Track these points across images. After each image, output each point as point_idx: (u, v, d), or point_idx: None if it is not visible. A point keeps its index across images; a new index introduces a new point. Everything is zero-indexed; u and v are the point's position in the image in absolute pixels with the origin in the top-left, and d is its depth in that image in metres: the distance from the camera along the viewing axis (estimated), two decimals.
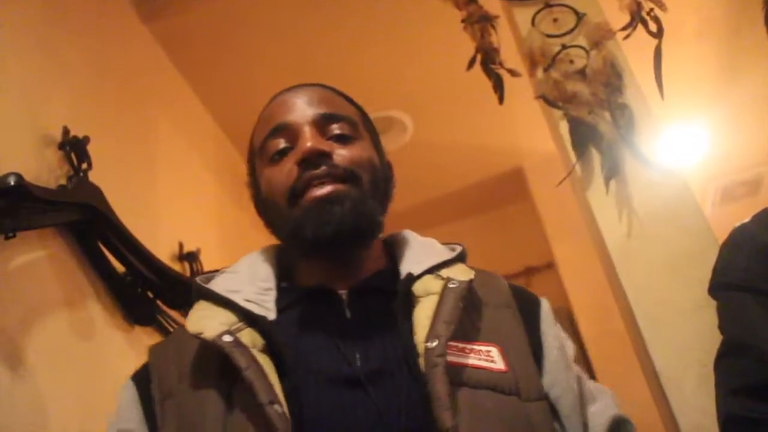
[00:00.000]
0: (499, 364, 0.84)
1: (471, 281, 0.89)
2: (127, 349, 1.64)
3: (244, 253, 1.02)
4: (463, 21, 1.72)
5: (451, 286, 0.87)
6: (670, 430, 1.31)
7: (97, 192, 1.56)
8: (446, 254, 0.96)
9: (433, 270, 0.92)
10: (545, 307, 0.98)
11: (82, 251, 1.55)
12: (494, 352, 0.85)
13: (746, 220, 1.09)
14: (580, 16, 1.62)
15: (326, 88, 1.04)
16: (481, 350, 0.84)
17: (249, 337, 0.81)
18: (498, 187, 3.56)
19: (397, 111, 2.90)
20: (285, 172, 0.93)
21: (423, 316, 0.84)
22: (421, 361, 0.79)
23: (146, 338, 1.74)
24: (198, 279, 0.93)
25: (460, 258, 0.97)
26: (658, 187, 1.45)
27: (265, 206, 0.98)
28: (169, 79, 2.43)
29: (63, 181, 1.52)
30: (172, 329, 1.84)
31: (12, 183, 1.25)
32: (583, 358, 3.12)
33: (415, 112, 2.92)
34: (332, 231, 0.87)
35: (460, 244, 1.00)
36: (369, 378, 0.80)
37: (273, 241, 1.03)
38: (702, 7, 2.67)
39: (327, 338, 0.85)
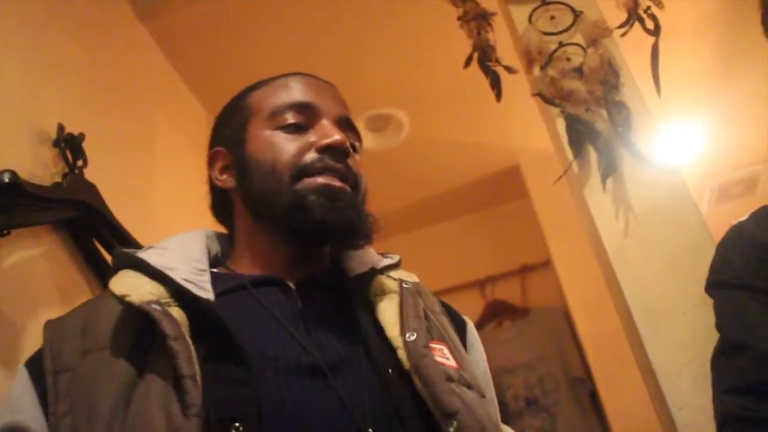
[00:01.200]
0: (452, 362, 0.85)
1: (418, 283, 0.94)
2: None
3: None
4: (459, 18, 1.72)
5: (405, 285, 0.91)
6: (667, 427, 1.31)
7: (92, 189, 1.55)
8: (386, 259, 0.99)
9: (383, 271, 0.95)
10: (470, 324, 1.03)
11: (77, 249, 1.55)
12: (446, 350, 0.87)
13: (744, 218, 1.09)
14: (577, 14, 1.62)
15: (341, 94, 1.05)
16: (436, 348, 0.85)
17: (178, 313, 0.78)
18: (495, 185, 3.55)
19: (394, 108, 2.89)
20: (299, 147, 0.92)
21: (389, 312, 0.86)
22: (402, 353, 0.80)
23: None
24: (127, 250, 0.89)
25: (399, 265, 1.00)
26: (655, 185, 1.45)
27: (252, 168, 0.95)
28: (165, 76, 2.42)
29: (58, 179, 1.51)
30: None
31: (6, 180, 1.24)
32: (579, 356, 3.12)
33: (411, 110, 2.91)
34: (341, 219, 0.88)
35: (396, 255, 1.03)
36: (330, 368, 0.79)
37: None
38: (699, 6, 2.67)
39: (277, 326, 0.84)
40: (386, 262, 0.97)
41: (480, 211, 3.72)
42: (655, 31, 1.56)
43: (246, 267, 0.95)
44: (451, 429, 0.73)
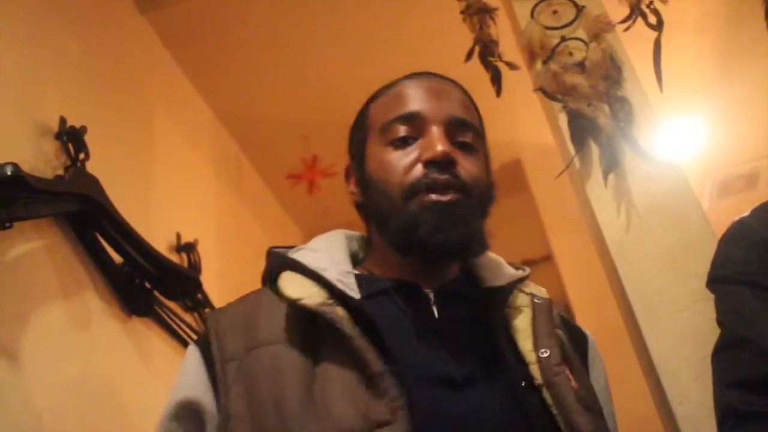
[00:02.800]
0: (572, 382, 0.85)
1: (550, 299, 0.95)
2: (124, 339, 1.64)
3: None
4: (461, 12, 1.71)
5: (537, 301, 0.92)
6: (667, 422, 1.31)
7: (94, 182, 1.55)
8: (518, 271, 0.99)
9: (516, 285, 0.95)
10: (592, 339, 1.04)
11: (79, 241, 1.55)
12: (567, 371, 0.87)
13: (745, 213, 1.08)
14: (579, 9, 1.61)
15: (457, 85, 1.04)
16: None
17: (343, 314, 0.81)
18: (496, 179, 3.54)
19: None
20: (406, 164, 0.92)
21: (522, 327, 0.88)
22: (535, 368, 0.81)
23: (143, 328, 1.74)
24: (279, 250, 0.93)
25: (528, 276, 1.00)
26: (656, 180, 1.45)
27: (371, 185, 0.96)
28: (166, 69, 2.42)
29: (60, 172, 1.51)
30: (169, 320, 1.84)
31: (8, 173, 1.24)
32: None
33: None
34: (448, 237, 0.88)
35: (526, 267, 1.03)
36: (467, 382, 0.81)
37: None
38: (701, 1, 2.67)
39: (417, 334, 0.86)
40: (518, 274, 0.97)
41: None
42: (658, 26, 1.55)
43: (382, 270, 0.96)
44: None
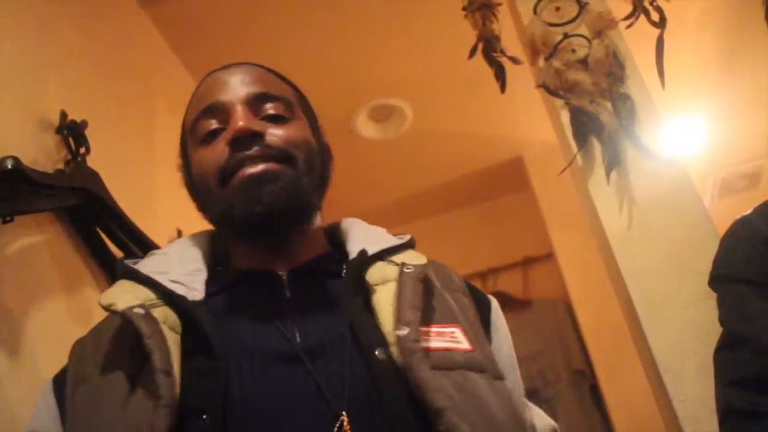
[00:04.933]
0: (464, 344, 0.83)
1: (425, 265, 0.90)
2: None
3: None
4: (464, 9, 1.71)
5: (407, 270, 0.87)
6: (668, 421, 1.31)
7: (95, 177, 1.55)
8: (394, 240, 0.96)
9: (384, 255, 0.91)
10: (495, 303, 1.00)
11: (79, 236, 1.55)
12: (457, 332, 0.85)
13: (747, 212, 1.08)
14: (582, 5, 1.61)
15: (261, 67, 1.02)
16: (444, 331, 0.84)
17: (162, 313, 0.80)
18: (498, 177, 3.55)
19: (397, 99, 2.88)
20: (216, 153, 0.90)
21: (385, 303, 0.83)
22: (394, 349, 0.77)
23: None
24: (126, 261, 0.91)
25: (410, 245, 0.97)
26: (659, 177, 1.45)
27: (197, 189, 0.96)
28: (167, 63, 2.41)
29: (61, 166, 1.51)
30: None
31: (9, 167, 1.24)
32: (581, 348, 3.13)
33: (415, 101, 2.91)
34: (263, 210, 0.85)
35: (408, 235, 0.99)
36: (308, 353, 0.79)
37: None
38: None
39: (263, 317, 0.84)
40: (387, 243, 0.93)
41: (482, 203, 3.72)
42: (661, 24, 1.55)
43: (241, 261, 0.95)
44: (441, 428, 0.71)
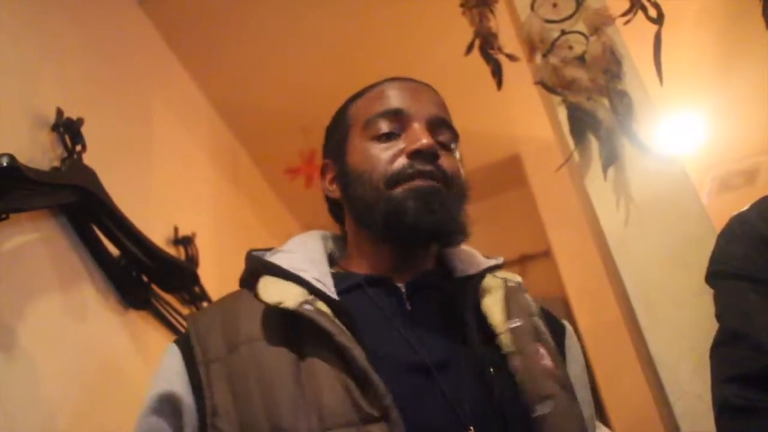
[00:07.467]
0: (548, 362, 0.87)
1: (520, 283, 0.98)
2: (120, 332, 1.64)
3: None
4: (461, 5, 1.71)
5: (510, 284, 0.95)
6: (665, 417, 1.31)
7: (91, 174, 1.54)
8: (491, 260, 1.02)
9: (489, 271, 0.98)
10: (569, 328, 1.05)
11: (75, 234, 1.54)
12: (543, 351, 0.89)
13: (744, 209, 1.08)
14: (579, 2, 1.60)
15: (437, 93, 1.07)
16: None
17: (325, 309, 0.84)
18: (495, 174, 3.55)
19: None
20: (390, 156, 0.95)
21: (492, 304, 0.91)
22: (505, 337, 0.85)
23: (140, 321, 1.73)
24: (257, 253, 0.96)
25: (502, 266, 1.04)
26: (656, 174, 1.45)
27: (354, 178, 0.99)
28: (163, 61, 2.41)
29: (56, 163, 1.50)
30: (166, 313, 1.84)
31: (4, 164, 1.23)
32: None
33: None
34: (435, 219, 0.91)
35: (499, 257, 1.06)
36: (436, 368, 0.83)
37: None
38: None
39: (389, 327, 0.88)
40: (490, 263, 1.01)
41: (480, 201, 3.68)
42: (658, 20, 1.54)
43: (357, 267, 0.99)
44: (547, 410, 0.78)
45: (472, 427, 0.78)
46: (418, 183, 0.92)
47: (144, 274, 1.76)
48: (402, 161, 0.94)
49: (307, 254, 0.96)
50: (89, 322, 1.52)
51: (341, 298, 0.88)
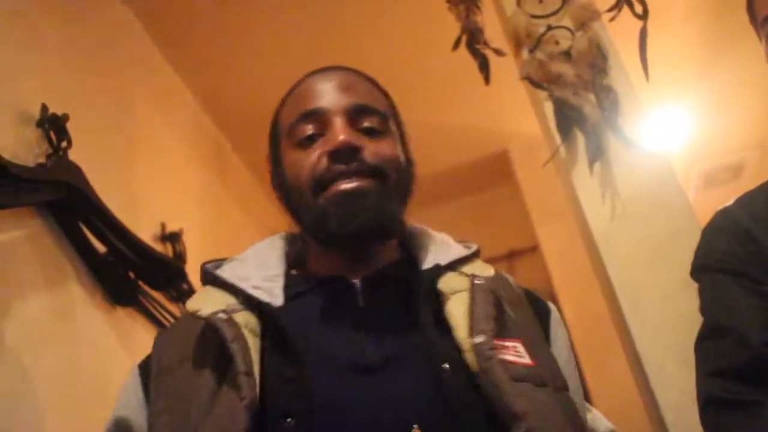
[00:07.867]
0: (525, 359, 0.84)
1: (494, 277, 0.92)
2: (107, 329, 1.63)
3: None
4: (448, 1, 1.71)
5: (477, 282, 0.89)
6: (651, 410, 1.32)
7: (76, 170, 1.53)
8: (463, 250, 0.97)
9: (455, 266, 0.93)
10: (554, 310, 1.01)
11: (61, 231, 1.54)
12: (519, 347, 0.86)
13: (729, 203, 1.09)
14: None
15: (361, 75, 1.03)
16: (508, 346, 0.85)
17: (243, 318, 0.83)
18: (482, 170, 3.56)
19: None
20: (313, 160, 0.92)
21: (458, 313, 0.85)
22: (469, 356, 0.80)
23: (127, 319, 1.73)
24: (208, 266, 0.95)
25: (477, 255, 0.99)
26: (641, 169, 1.46)
27: (288, 189, 0.97)
28: (148, 56, 2.39)
29: (41, 159, 1.50)
30: (153, 310, 1.83)
31: None
32: None
33: (398, 93, 2.89)
34: (356, 226, 0.88)
35: (474, 244, 1.02)
36: (382, 365, 0.81)
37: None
38: None
39: (338, 326, 0.87)
40: (457, 254, 0.96)
41: (467, 196, 3.73)
42: (644, 16, 1.55)
43: (318, 267, 0.98)
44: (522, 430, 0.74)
45: (416, 425, 0.75)
46: (339, 186, 0.89)
47: (131, 271, 1.76)
48: (322, 165, 0.91)
49: (258, 261, 0.95)
50: (76, 319, 1.52)
51: (291, 303, 0.88)
